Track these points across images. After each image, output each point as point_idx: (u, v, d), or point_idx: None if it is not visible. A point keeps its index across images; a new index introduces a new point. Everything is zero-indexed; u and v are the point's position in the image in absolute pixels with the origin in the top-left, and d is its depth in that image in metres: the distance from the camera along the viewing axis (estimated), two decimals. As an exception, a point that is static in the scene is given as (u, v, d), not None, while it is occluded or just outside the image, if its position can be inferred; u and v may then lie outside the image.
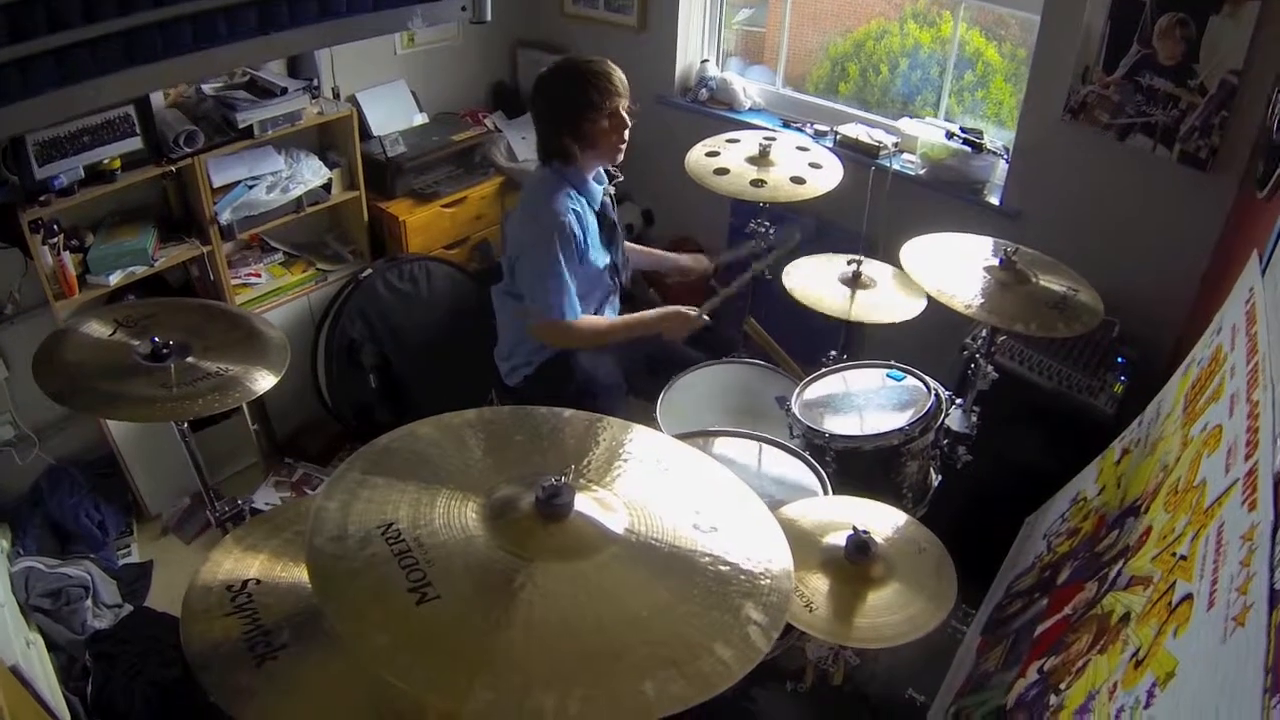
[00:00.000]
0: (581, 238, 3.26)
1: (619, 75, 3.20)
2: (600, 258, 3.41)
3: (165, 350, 2.51)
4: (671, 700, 1.36)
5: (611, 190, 3.49)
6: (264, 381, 2.55)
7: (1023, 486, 3.29)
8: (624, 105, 3.21)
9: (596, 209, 3.38)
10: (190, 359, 2.55)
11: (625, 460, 1.84)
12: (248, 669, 1.78)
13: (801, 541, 2.23)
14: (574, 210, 3.23)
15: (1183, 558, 1.74)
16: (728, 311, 3.60)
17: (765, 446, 2.97)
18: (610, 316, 3.50)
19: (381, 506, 1.60)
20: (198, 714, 2.20)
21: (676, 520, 1.68)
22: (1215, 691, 1.35)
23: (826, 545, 2.31)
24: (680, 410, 3.26)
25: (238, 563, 2.02)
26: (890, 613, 2.15)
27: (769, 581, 1.60)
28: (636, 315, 3.47)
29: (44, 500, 4.03)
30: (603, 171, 3.44)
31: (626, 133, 3.25)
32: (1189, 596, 1.60)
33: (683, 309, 3.41)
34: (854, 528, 2.27)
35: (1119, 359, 3.61)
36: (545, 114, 3.27)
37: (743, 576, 1.59)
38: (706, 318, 3.40)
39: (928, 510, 3.06)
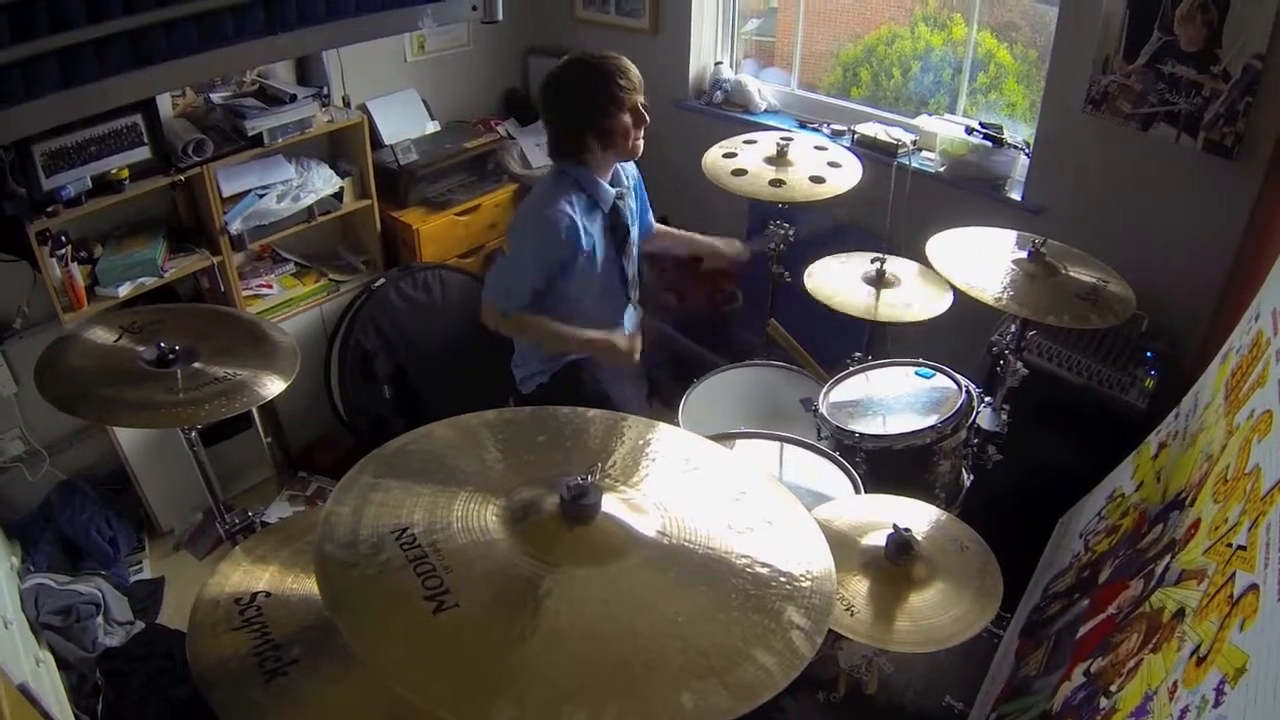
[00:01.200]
0: (579, 244, 3.16)
1: (634, 69, 3.12)
2: (606, 265, 3.31)
3: (171, 355, 2.46)
4: (712, 713, 1.28)
5: (626, 188, 3.39)
6: (273, 386, 2.49)
7: (1055, 485, 3.22)
8: (642, 99, 3.14)
9: (607, 211, 3.28)
10: (197, 364, 2.50)
11: (652, 460, 1.77)
12: (257, 685, 1.70)
13: (838, 543, 2.14)
14: (571, 215, 3.12)
15: (1241, 548, 1.66)
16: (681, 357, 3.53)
17: (792, 448, 2.90)
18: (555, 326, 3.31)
19: (395, 510, 1.53)
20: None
21: (709, 521, 1.61)
22: (1298, 684, 1.27)
23: (865, 546, 2.24)
24: (703, 413, 3.20)
25: (247, 575, 1.95)
26: (936, 614, 2.07)
27: (810, 583, 1.52)
28: (582, 333, 3.27)
29: (54, 516, 3.98)
30: (621, 174, 3.36)
31: (644, 129, 3.17)
32: (1253, 587, 1.52)
33: (620, 343, 3.26)
34: (895, 526, 2.19)
35: (1148, 353, 3.53)
36: (564, 112, 3.16)
37: (782, 578, 1.52)
38: (638, 358, 3.28)
39: (959, 512, 2.99)
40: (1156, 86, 3.40)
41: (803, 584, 1.52)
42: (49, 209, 3.47)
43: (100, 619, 3.52)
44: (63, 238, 3.58)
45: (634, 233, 3.44)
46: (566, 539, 1.49)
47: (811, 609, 1.47)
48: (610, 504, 1.55)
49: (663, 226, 3.70)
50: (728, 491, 1.74)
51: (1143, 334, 3.63)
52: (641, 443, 1.82)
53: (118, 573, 3.95)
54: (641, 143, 3.19)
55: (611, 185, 3.27)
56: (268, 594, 1.91)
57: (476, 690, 1.28)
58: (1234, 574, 1.63)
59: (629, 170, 3.39)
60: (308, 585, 1.92)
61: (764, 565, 1.53)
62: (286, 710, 1.68)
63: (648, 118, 3.15)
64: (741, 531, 1.61)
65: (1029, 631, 2.65)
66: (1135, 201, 3.69)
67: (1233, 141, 3.28)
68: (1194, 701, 1.50)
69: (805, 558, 1.57)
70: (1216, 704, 1.43)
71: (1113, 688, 1.89)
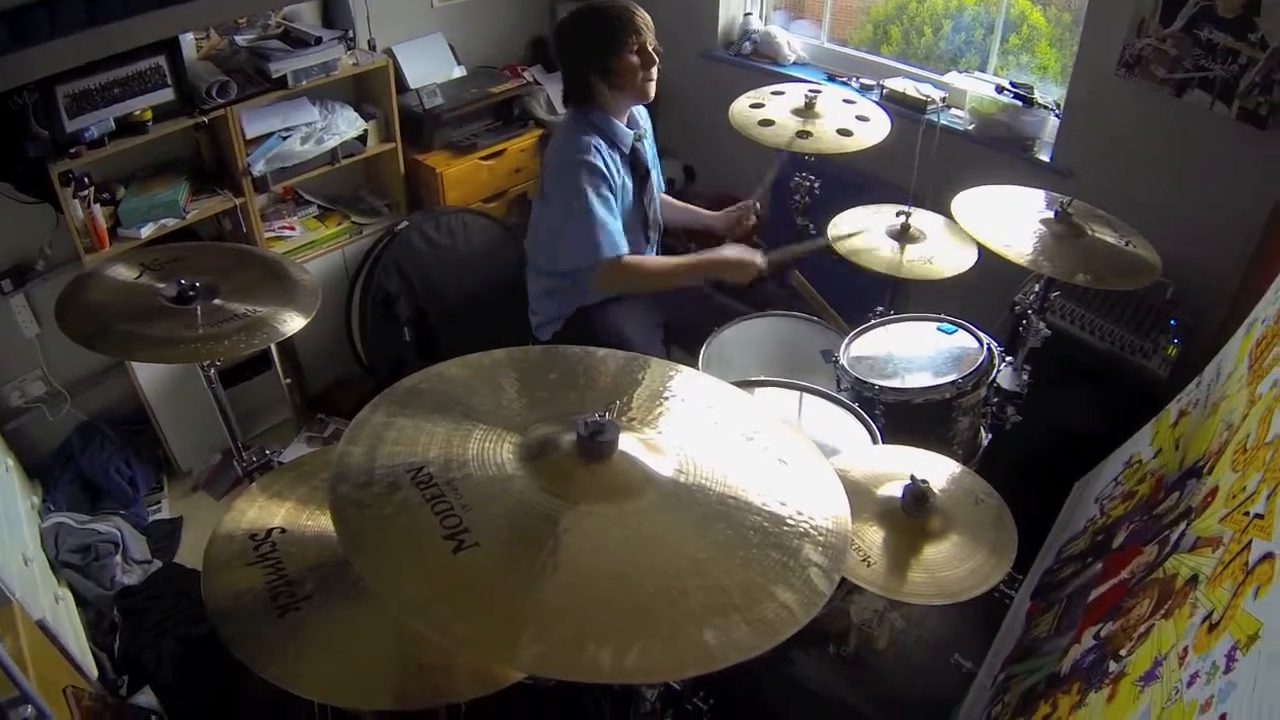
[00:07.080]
0: (610, 178, 3.20)
1: (643, 13, 3.17)
2: (629, 205, 3.36)
3: (191, 292, 2.45)
4: (735, 649, 1.29)
5: (644, 131, 3.43)
6: (293, 323, 2.48)
7: (1072, 448, 3.18)
8: (650, 41, 3.16)
9: (626, 153, 3.32)
10: (217, 300, 2.49)
11: (667, 399, 1.78)
12: (270, 620, 1.72)
13: (855, 493, 2.11)
14: (599, 152, 3.17)
15: (1259, 516, 1.64)
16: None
17: (811, 398, 2.88)
18: (669, 257, 3.42)
19: (410, 449, 1.53)
20: (225, 670, 2.15)
21: (726, 461, 1.61)
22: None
23: (881, 497, 2.23)
24: (723, 362, 3.18)
25: (262, 511, 1.97)
26: (951, 567, 2.07)
27: (826, 521, 1.53)
28: (699, 255, 3.41)
29: (75, 456, 4.01)
30: (636, 115, 3.38)
31: (655, 70, 3.20)
32: (1269, 555, 1.50)
33: (748, 255, 3.33)
34: (912, 477, 2.18)
35: (1172, 321, 3.51)
36: (571, 55, 3.24)
37: (800, 515, 1.52)
38: (766, 267, 3.35)
39: (976, 469, 2.97)
40: (1192, 52, 3.35)
41: (818, 522, 1.52)
42: (72, 150, 3.46)
43: (119, 558, 3.54)
44: (85, 179, 3.57)
45: (654, 174, 3.49)
46: (584, 476, 1.50)
47: (828, 547, 1.48)
48: (626, 442, 1.55)
49: (665, 197, 3.75)
50: (743, 433, 1.73)
51: (1167, 301, 3.60)
52: (657, 384, 1.83)
53: (136, 512, 3.98)
54: (653, 85, 3.23)
55: (629, 127, 3.30)
56: (283, 530, 1.92)
57: (501, 628, 1.29)
58: (1250, 542, 1.62)
59: (644, 115, 3.44)
60: (322, 522, 1.93)
61: (781, 503, 1.53)
62: (298, 644, 1.70)
63: (657, 58, 3.19)
64: (758, 471, 1.61)
65: (1040, 593, 2.64)
66: (1165, 167, 3.65)
67: (1267, 111, 3.24)
68: (1204, 667, 1.49)
69: (821, 496, 1.58)
70: (1227, 670, 1.42)
71: (1122, 652, 1.88)
